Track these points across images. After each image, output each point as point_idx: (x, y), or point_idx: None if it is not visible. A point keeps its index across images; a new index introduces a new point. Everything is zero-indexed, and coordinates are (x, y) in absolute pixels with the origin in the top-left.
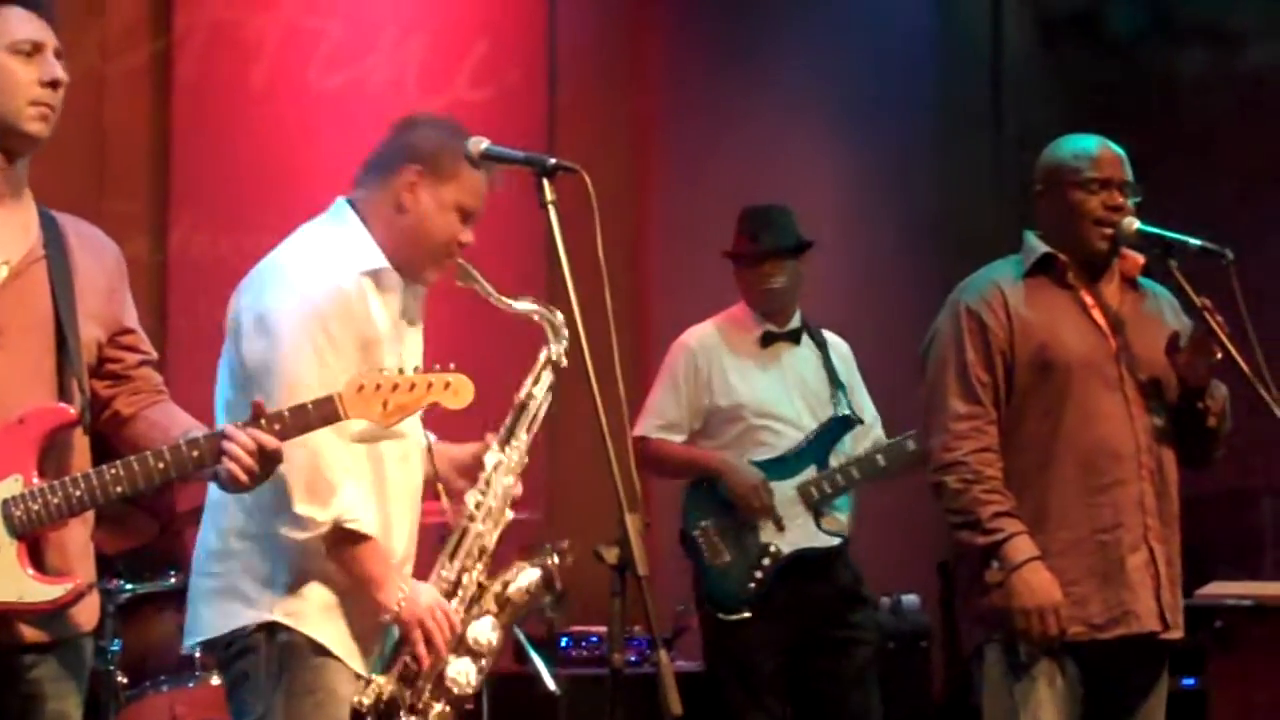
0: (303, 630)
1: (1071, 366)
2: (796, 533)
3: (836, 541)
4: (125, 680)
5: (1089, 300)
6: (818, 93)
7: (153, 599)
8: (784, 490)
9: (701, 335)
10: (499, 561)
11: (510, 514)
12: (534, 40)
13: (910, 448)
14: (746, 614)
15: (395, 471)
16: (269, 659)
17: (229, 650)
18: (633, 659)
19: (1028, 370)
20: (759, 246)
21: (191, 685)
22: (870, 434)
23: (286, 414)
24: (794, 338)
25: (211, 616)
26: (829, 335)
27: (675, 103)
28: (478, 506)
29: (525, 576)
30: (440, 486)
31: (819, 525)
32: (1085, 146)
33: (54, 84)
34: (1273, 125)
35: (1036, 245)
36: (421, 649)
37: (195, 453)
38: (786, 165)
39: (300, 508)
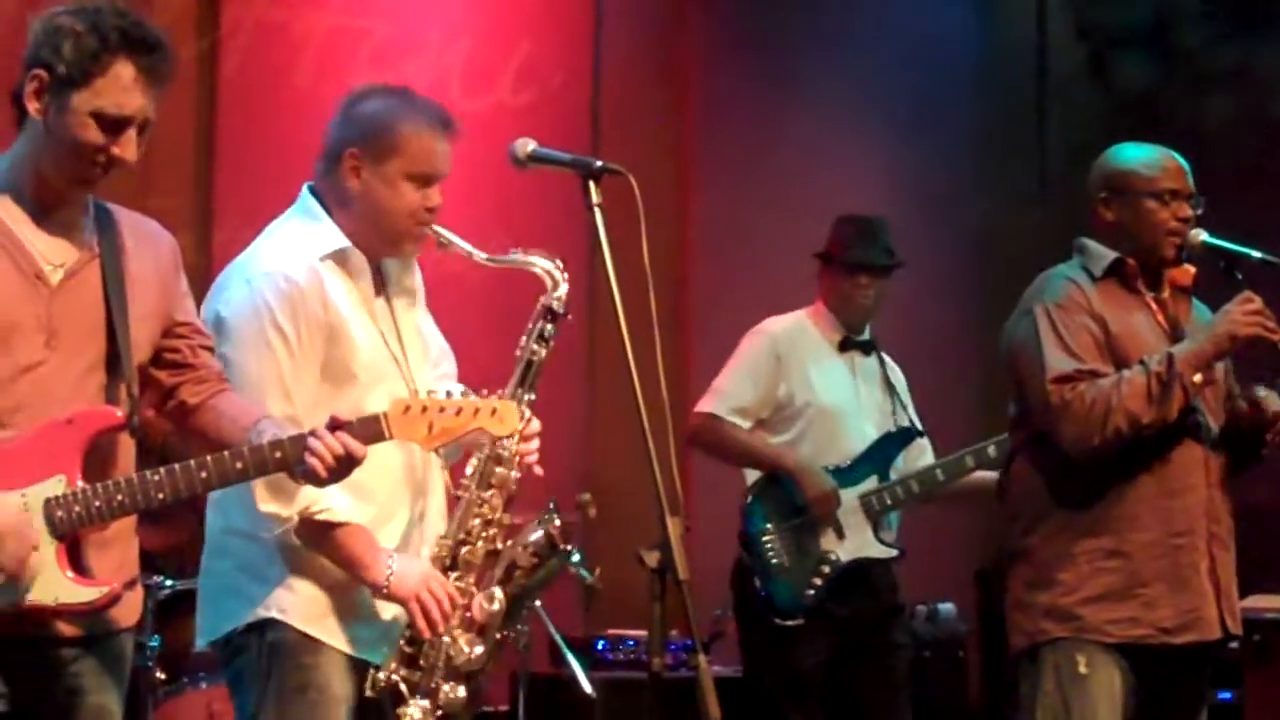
0: (295, 625)
1: None
2: (855, 541)
3: (894, 553)
4: (163, 676)
5: (1154, 306)
6: (862, 102)
7: (191, 596)
8: (848, 498)
9: (785, 326)
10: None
11: (516, 474)
12: (578, 43)
13: (969, 464)
14: (801, 620)
15: (394, 454)
16: (259, 658)
17: (226, 650)
18: (670, 663)
19: (1110, 367)
20: (857, 256)
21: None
22: (923, 454)
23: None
24: (866, 348)
25: (214, 616)
26: (886, 358)
27: (719, 106)
28: (474, 474)
29: (529, 539)
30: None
31: (877, 536)
32: (1155, 156)
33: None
34: None
35: (1103, 251)
36: (420, 623)
37: (278, 454)
38: (830, 169)
39: (264, 507)
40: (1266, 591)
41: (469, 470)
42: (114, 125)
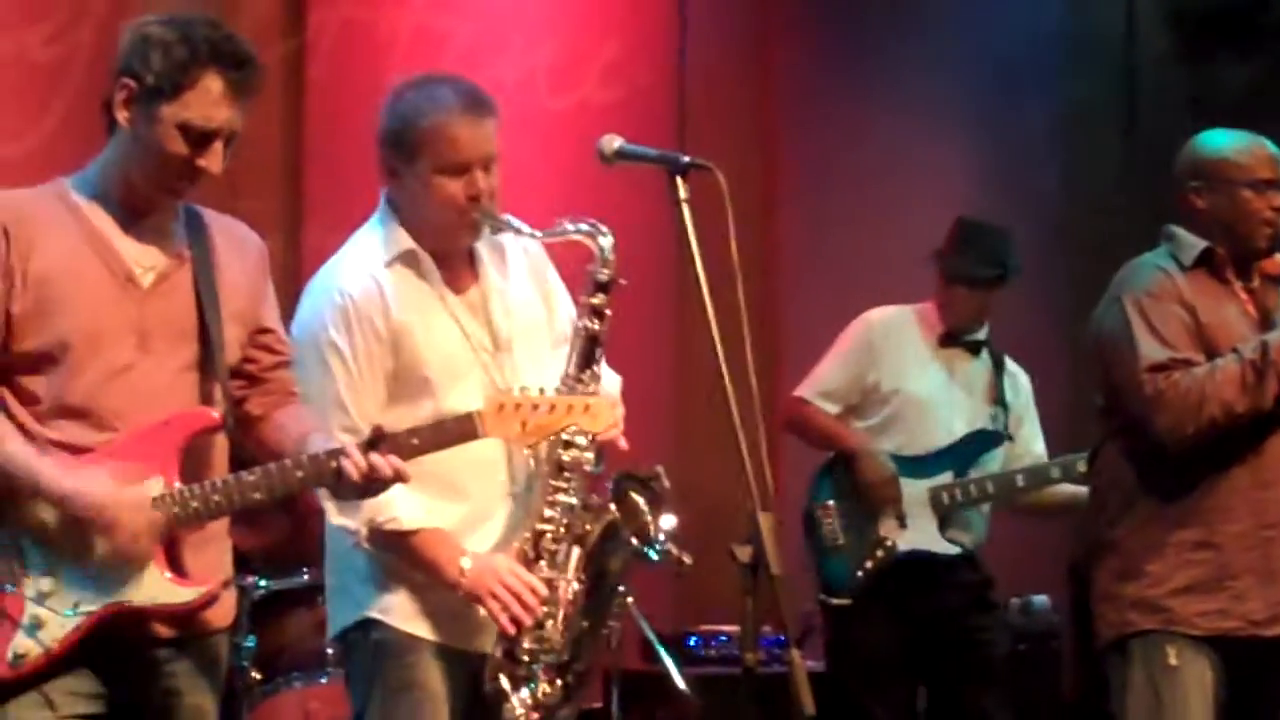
0: (396, 625)
1: None
2: (918, 534)
3: (955, 551)
4: (259, 676)
5: (1244, 296)
6: (945, 94)
7: (286, 596)
8: (916, 489)
9: (886, 314)
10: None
11: (590, 456)
12: (664, 41)
13: (1053, 475)
14: (848, 600)
15: (489, 451)
16: (365, 656)
17: (342, 648)
18: (763, 659)
19: (1202, 356)
20: (955, 266)
21: (324, 681)
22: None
23: (426, 429)
24: (973, 349)
25: (333, 614)
26: (1011, 364)
27: (804, 102)
28: (546, 459)
29: (594, 521)
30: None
31: (942, 532)
32: (1247, 143)
33: None
34: None
35: (1193, 240)
36: (502, 620)
37: (334, 464)
38: (914, 167)
39: (333, 520)
40: None
41: (540, 455)
42: (201, 138)
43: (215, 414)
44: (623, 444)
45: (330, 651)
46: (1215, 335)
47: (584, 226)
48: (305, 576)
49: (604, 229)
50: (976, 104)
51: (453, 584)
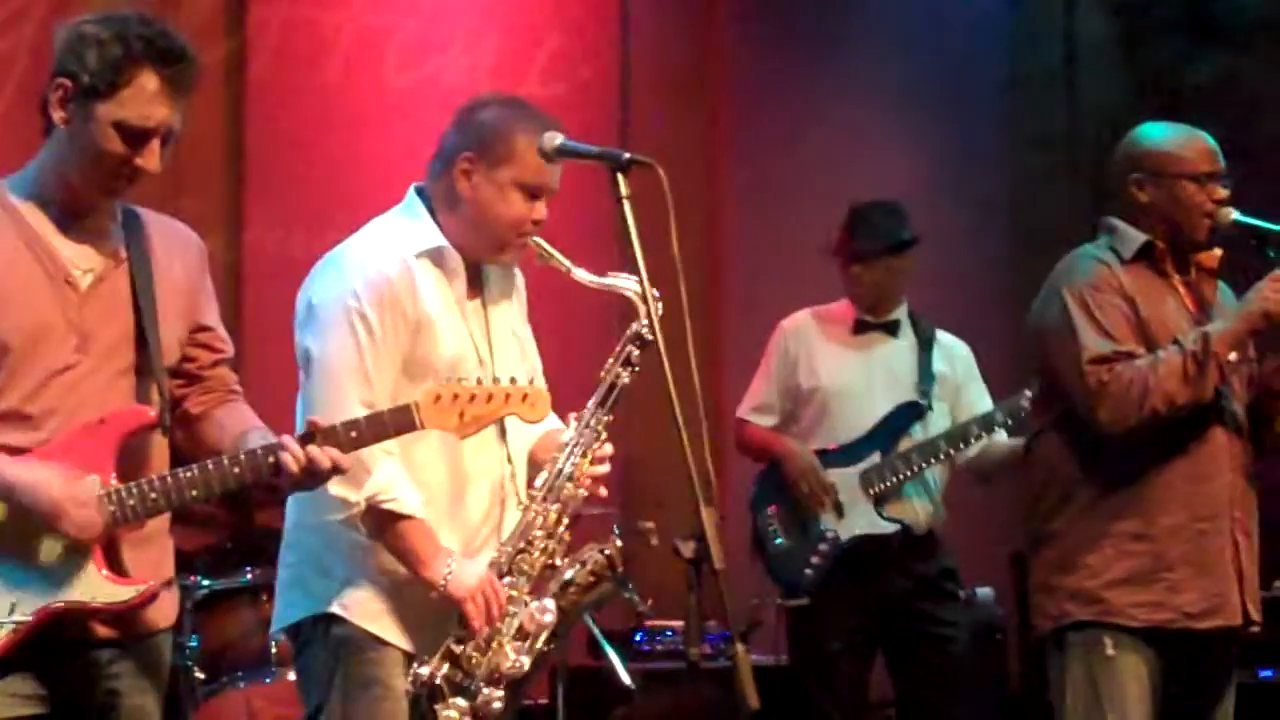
0: (357, 622)
1: None
2: (857, 519)
3: (895, 529)
4: (203, 676)
5: (1182, 289)
6: (888, 82)
7: (230, 595)
8: (848, 477)
9: (797, 319)
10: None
11: (583, 493)
12: (606, 35)
13: (974, 431)
14: (805, 600)
15: (472, 457)
16: (325, 652)
17: (295, 642)
18: (708, 653)
19: (1143, 349)
20: (853, 246)
21: (268, 680)
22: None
23: (364, 422)
24: (890, 329)
25: (283, 606)
26: (944, 335)
27: (748, 95)
28: (542, 486)
29: (588, 558)
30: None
31: (880, 512)
32: (1188, 137)
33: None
34: None
35: (1133, 232)
36: (475, 623)
37: (272, 459)
38: (858, 157)
39: (334, 489)
40: None
41: (538, 482)
42: (138, 137)
43: (151, 412)
44: (602, 492)
45: (275, 650)
46: (1155, 328)
47: (633, 284)
48: (249, 575)
49: (653, 290)
50: (923, 91)
51: (432, 578)
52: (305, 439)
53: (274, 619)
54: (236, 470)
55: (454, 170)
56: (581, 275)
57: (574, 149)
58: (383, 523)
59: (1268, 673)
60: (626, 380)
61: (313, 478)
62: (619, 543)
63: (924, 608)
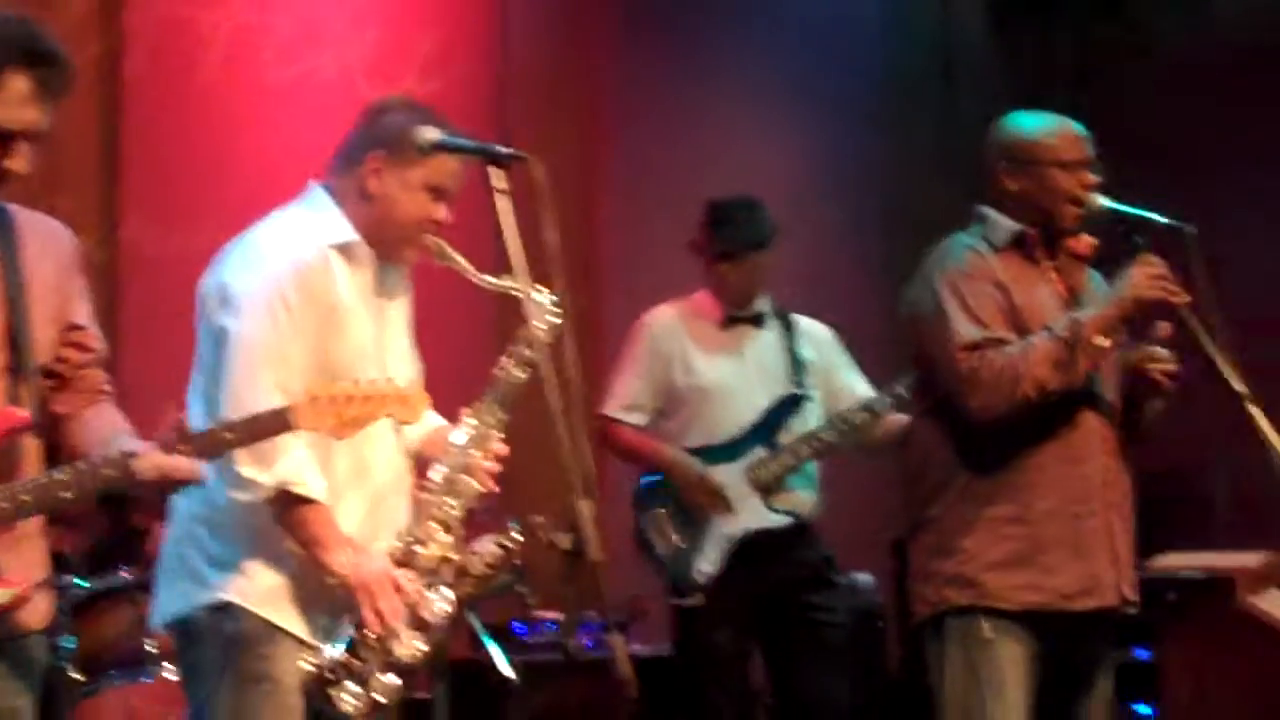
0: (253, 610)
1: None
2: (747, 515)
3: (787, 521)
4: (80, 677)
5: (1054, 277)
6: (767, 78)
7: (107, 595)
8: (732, 473)
9: (662, 315)
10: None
11: (477, 486)
12: (484, 31)
13: (856, 421)
14: (700, 599)
15: (370, 447)
16: (216, 648)
17: (182, 636)
18: (588, 644)
19: (1015, 335)
20: (718, 243)
21: (148, 680)
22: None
23: (240, 423)
24: (757, 321)
25: (169, 597)
26: (805, 321)
27: (626, 91)
28: (440, 479)
29: (484, 551)
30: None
31: (768, 505)
32: (1056, 125)
33: None
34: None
35: (1005, 221)
36: (369, 615)
37: (131, 464)
38: (738, 152)
39: (244, 469)
40: (1178, 550)
41: (435, 475)
42: (6, 138)
43: (23, 414)
44: (493, 487)
45: (152, 650)
46: (1027, 316)
47: (529, 286)
48: (126, 575)
49: (551, 294)
50: (797, 88)
51: (332, 566)
52: (169, 444)
53: (156, 610)
54: (108, 471)
55: (362, 168)
56: (476, 275)
57: (450, 143)
58: (289, 507)
59: (1144, 652)
60: (521, 379)
61: (175, 484)
62: (518, 536)
63: (807, 597)
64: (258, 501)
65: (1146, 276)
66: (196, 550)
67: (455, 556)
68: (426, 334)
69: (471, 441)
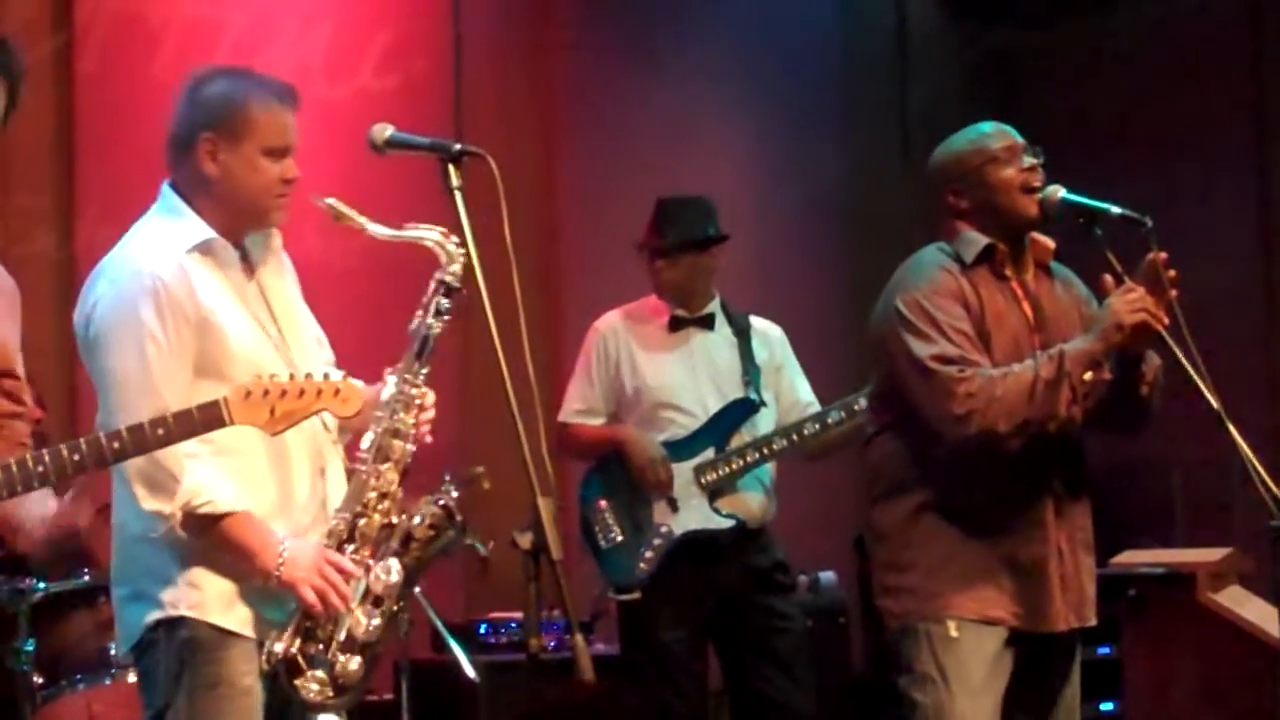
0: (207, 620)
1: (1004, 361)
2: (690, 514)
3: (730, 524)
4: (41, 680)
5: (1020, 293)
6: (724, 76)
7: (67, 598)
8: (682, 472)
9: (611, 320)
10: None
11: (412, 448)
12: (439, 27)
13: (807, 431)
14: (636, 594)
15: (288, 438)
16: (169, 654)
17: (135, 648)
18: (551, 644)
19: (985, 356)
20: (658, 241)
21: (108, 683)
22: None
23: (172, 419)
24: (706, 323)
25: (126, 624)
26: (758, 321)
27: (582, 88)
28: (370, 447)
29: (426, 512)
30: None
31: (714, 508)
32: (976, 130)
33: None
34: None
35: (975, 236)
36: (311, 601)
37: None
38: (695, 149)
39: (147, 505)
40: (1140, 546)
41: (365, 444)
42: None
43: None
44: (427, 438)
45: (114, 652)
46: (993, 333)
47: (434, 234)
48: (86, 577)
49: (450, 234)
50: (754, 85)
51: (265, 569)
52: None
53: (121, 639)
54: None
55: (197, 153)
56: (378, 230)
57: (405, 140)
58: (205, 526)
59: (1105, 649)
60: (439, 330)
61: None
62: (454, 492)
63: (757, 600)
64: (174, 530)
65: (1126, 303)
66: (145, 575)
67: (396, 521)
68: (337, 299)
69: (398, 403)
